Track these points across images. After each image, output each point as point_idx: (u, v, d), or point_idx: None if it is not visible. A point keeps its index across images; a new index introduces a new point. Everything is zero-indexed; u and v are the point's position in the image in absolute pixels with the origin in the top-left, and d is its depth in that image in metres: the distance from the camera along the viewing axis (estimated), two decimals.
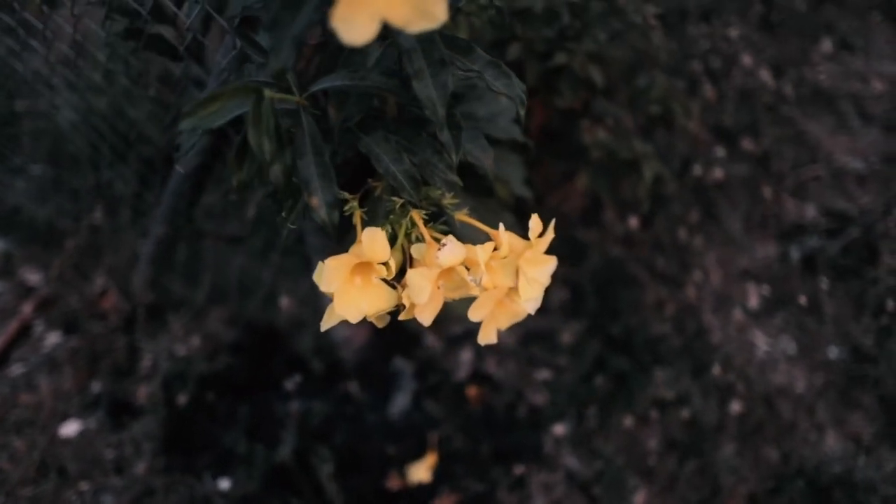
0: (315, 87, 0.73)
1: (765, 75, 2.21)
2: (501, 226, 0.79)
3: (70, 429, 1.61)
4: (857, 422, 1.75)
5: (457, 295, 0.81)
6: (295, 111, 0.73)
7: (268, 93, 0.66)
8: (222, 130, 1.42)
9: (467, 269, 0.78)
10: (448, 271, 0.78)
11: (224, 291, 1.84)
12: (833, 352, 1.86)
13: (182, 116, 0.68)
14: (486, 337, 0.84)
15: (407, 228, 0.82)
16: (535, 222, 0.80)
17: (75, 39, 1.41)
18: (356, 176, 0.89)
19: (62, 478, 1.51)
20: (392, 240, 0.83)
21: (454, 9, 1.16)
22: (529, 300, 0.81)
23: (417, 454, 1.61)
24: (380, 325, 0.84)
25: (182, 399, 1.67)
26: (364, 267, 0.78)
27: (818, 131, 2.33)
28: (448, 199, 0.86)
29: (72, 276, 1.84)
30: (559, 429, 1.63)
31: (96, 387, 1.68)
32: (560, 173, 1.71)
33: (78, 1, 1.19)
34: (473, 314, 0.79)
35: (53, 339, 1.75)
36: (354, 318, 0.78)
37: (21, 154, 1.89)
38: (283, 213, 0.81)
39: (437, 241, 0.78)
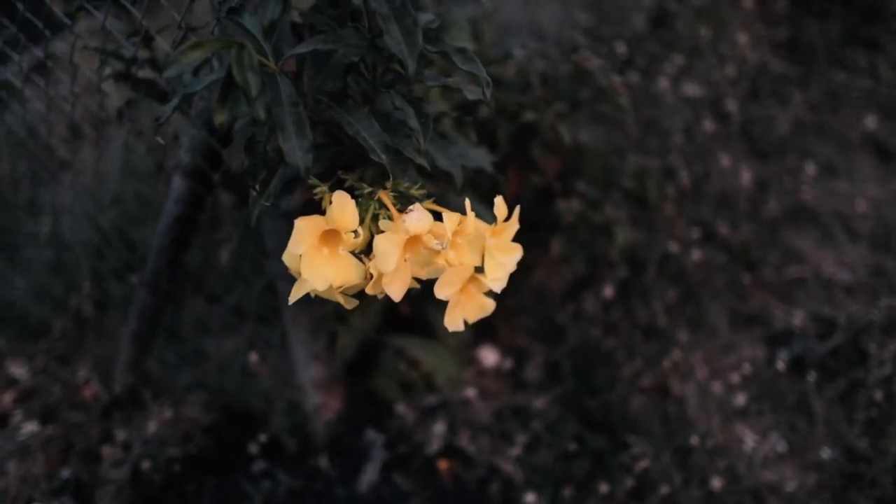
0: (291, 52, 0.76)
1: (745, 179, 2.27)
2: (468, 202, 0.79)
3: None
4: None
5: (425, 273, 0.80)
6: (272, 77, 0.75)
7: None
8: (203, 174, 1.44)
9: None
10: (414, 241, 0.77)
11: (202, 369, 1.80)
12: (826, 452, 1.78)
13: (166, 64, 0.70)
14: (453, 322, 0.82)
15: (375, 209, 0.83)
16: (500, 203, 0.81)
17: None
18: (327, 173, 0.91)
19: None
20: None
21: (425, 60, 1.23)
22: (495, 280, 0.80)
23: None
24: (348, 306, 0.82)
25: (150, 480, 1.61)
26: (332, 237, 0.78)
27: (804, 244, 2.36)
28: (416, 190, 0.87)
29: (56, 367, 1.83)
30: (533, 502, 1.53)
31: (66, 472, 1.63)
32: (540, 250, 1.71)
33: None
34: (440, 291, 0.78)
35: (30, 427, 1.72)
36: (322, 286, 0.76)
37: (25, 252, 1.95)
38: (257, 189, 0.82)
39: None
